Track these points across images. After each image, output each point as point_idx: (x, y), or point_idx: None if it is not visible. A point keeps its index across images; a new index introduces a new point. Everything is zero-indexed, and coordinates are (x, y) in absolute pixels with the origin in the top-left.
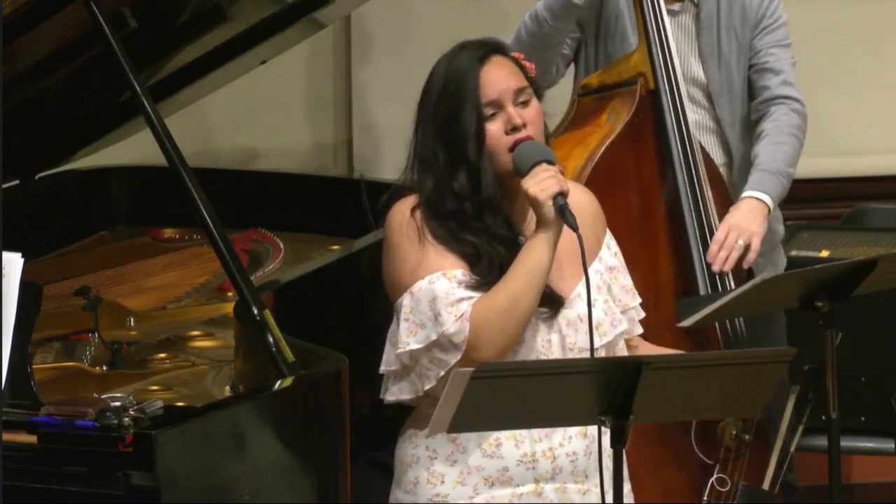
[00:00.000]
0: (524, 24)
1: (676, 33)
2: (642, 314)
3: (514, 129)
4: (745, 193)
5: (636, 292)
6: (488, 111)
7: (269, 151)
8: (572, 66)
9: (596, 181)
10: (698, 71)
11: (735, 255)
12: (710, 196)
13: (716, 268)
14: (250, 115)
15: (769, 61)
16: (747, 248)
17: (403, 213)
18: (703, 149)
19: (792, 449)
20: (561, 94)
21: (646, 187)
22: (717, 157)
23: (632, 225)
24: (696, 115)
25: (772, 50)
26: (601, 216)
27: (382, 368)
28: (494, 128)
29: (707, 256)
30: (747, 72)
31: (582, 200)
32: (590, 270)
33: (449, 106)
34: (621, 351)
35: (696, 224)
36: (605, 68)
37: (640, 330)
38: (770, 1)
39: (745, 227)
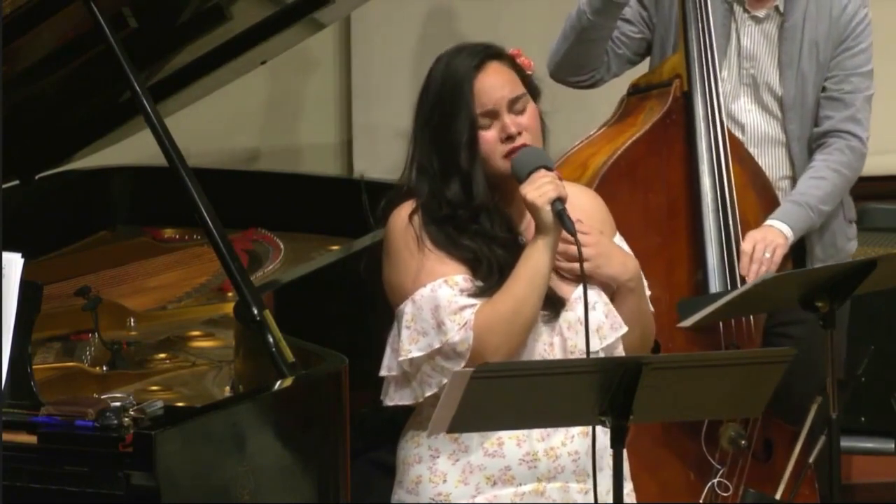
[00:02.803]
0: (569, 16)
1: (759, 40)
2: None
3: (509, 137)
4: (767, 221)
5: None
6: (484, 121)
7: (269, 151)
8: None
9: (613, 178)
10: (775, 81)
11: (765, 268)
12: (735, 201)
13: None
14: (250, 115)
15: (843, 89)
16: (771, 260)
17: (402, 219)
18: (751, 157)
19: (811, 459)
20: (559, 92)
21: (673, 188)
22: (783, 170)
23: (651, 224)
24: (766, 126)
25: (850, 78)
26: (608, 219)
27: (382, 373)
28: (489, 135)
29: (740, 269)
30: (821, 90)
31: (587, 204)
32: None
33: (443, 113)
34: (619, 354)
35: (713, 227)
36: (654, 69)
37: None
38: (858, 23)
39: (770, 240)
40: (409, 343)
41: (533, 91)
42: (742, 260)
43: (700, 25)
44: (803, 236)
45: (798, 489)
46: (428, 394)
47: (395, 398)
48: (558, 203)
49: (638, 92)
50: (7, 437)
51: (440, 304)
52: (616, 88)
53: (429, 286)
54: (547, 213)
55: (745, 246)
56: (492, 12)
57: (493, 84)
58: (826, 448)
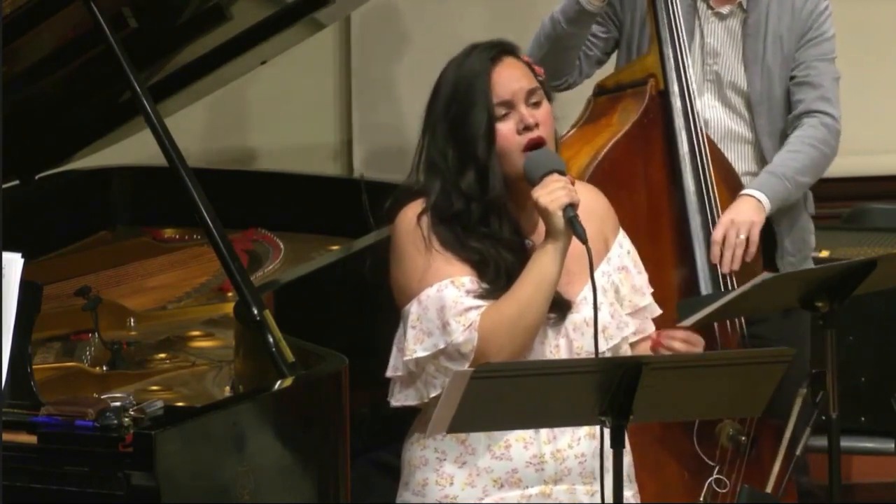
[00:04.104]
0: (543, 25)
1: (722, 37)
2: (657, 312)
3: (527, 128)
4: (743, 191)
5: (648, 290)
6: (500, 111)
7: (269, 151)
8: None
9: (599, 180)
10: (739, 77)
11: (739, 252)
12: (717, 199)
13: (724, 270)
14: (250, 115)
15: (810, 74)
16: (747, 241)
17: (410, 220)
18: (722, 153)
19: (798, 452)
20: (569, 97)
21: (654, 188)
22: (748, 164)
23: (637, 225)
24: (730, 122)
25: (815, 63)
26: (611, 216)
27: (389, 373)
28: (506, 128)
29: (711, 258)
30: (788, 83)
31: (591, 200)
32: (596, 273)
33: (460, 106)
34: (625, 354)
35: (700, 226)
36: (622, 68)
37: (653, 328)
38: (820, 14)
39: (741, 220)
40: (414, 343)
41: (547, 91)
42: (712, 249)
43: (672, 25)
44: (773, 231)
45: (798, 483)
46: (433, 394)
47: (400, 398)
48: (570, 209)
49: (606, 92)
50: (7, 437)
51: (446, 305)
52: (579, 90)
53: (435, 286)
54: (558, 219)
55: (715, 234)
56: (493, 12)
57: (510, 76)
58: (806, 446)
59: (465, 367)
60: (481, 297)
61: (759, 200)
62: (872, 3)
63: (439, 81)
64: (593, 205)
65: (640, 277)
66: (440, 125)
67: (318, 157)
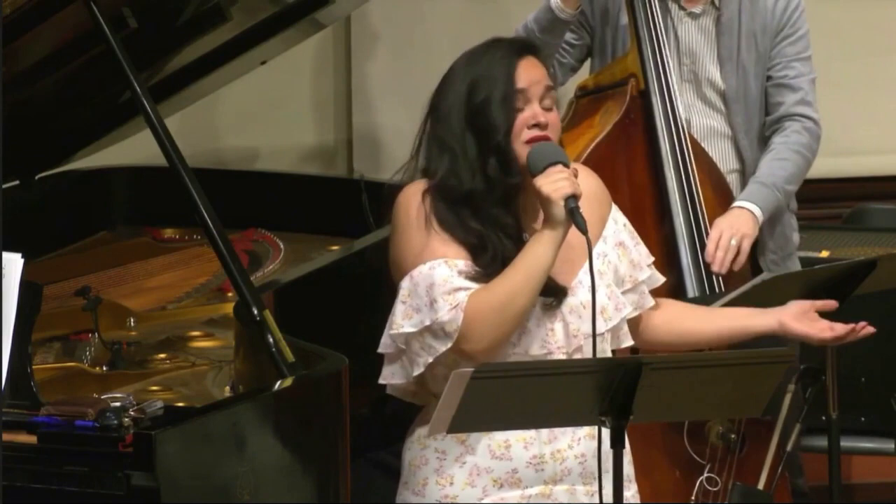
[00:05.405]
0: (516, 33)
1: (696, 36)
2: (660, 280)
3: (536, 125)
4: (736, 203)
5: (648, 261)
6: (519, 102)
7: (269, 151)
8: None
9: None
10: (716, 75)
11: (730, 256)
12: (701, 198)
13: (715, 268)
14: (250, 116)
15: (788, 75)
16: (738, 250)
17: (413, 195)
18: (705, 152)
19: (788, 448)
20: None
21: (637, 188)
22: (731, 163)
23: None
24: (711, 121)
25: (792, 63)
26: (606, 195)
27: (380, 349)
28: (520, 118)
29: (706, 256)
30: (765, 81)
31: (589, 184)
32: (593, 253)
33: (483, 93)
34: (625, 335)
35: (684, 225)
36: (602, 69)
37: (652, 303)
38: (793, 10)
39: (736, 228)
40: (401, 318)
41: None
42: (708, 247)
43: (650, 24)
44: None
45: (791, 482)
46: (416, 373)
47: (386, 375)
48: (572, 200)
49: (588, 94)
50: (7, 437)
51: (435, 283)
52: (562, 91)
53: (428, 264)
54: (559, 209)
55: (712, 233)
56: (493, 13)
57: (532, 71)
58: (797, 443)
59: (448, 346)
60: (473, 279)
61: (752, 213)
62: (873, 2)
63: (453, 69)
64: (591, 188)
65: (638, 250)
66: (455, 111)
67: (318, 157)
